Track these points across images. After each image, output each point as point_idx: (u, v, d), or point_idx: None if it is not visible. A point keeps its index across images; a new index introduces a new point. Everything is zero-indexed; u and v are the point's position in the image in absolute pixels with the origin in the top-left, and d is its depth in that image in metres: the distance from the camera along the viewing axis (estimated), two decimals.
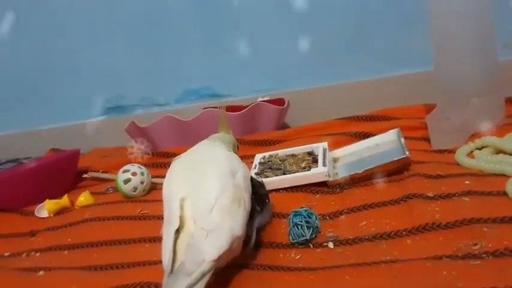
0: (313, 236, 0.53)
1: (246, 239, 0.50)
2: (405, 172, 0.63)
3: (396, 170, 0.63)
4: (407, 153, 0.63)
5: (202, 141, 0.58)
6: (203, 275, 0.42)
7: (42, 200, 0.78)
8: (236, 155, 0.56)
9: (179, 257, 0.43)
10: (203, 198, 0.47)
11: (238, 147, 0.64)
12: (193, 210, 0.46)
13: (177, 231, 0.45)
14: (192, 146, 0.88)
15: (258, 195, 0.55)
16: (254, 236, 0.50)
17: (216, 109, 0.92)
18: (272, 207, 0.59)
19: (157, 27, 1.10)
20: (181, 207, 0.46)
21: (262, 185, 0.58)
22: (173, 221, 0.45)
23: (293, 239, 0.53)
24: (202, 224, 0.45)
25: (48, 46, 1.16)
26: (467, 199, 0.53)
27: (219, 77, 1.12)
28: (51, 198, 0.78)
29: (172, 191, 0.49)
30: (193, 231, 0.44)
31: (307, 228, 0.53)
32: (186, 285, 0.40)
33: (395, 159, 0.63)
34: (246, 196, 0.50)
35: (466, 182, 0.57)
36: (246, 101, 1.02)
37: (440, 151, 0.69)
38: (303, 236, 0.52)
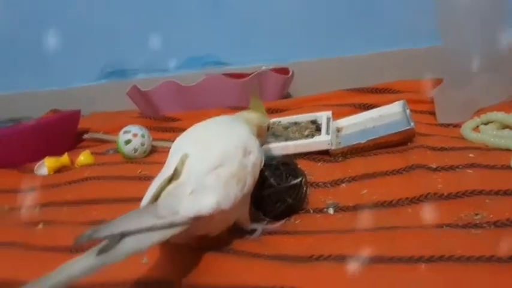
0: None
1: (252, 229, 0.49)
2: (409, 144, 0.62)
3: (400, 142, 0.62)
4: (412, 124, 0.62)
5: (229, 115, 0.55)
6: (172, 226, 0.40)
7: (41, 159, 0.77)
8: (256, 141, 0.51)
9: (158, 201, 0.42)
10: (204, 161, 0.45)
11: (269, 128, 0.58)
12: (190, 167, 0.45)
13: (169, 182, 0.44)
14: (193, 111, 0.89)
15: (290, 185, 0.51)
16: (260, 230, 0.49)
17: (217, 75, 0.91)
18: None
19: None
20: (182, 162, 0.45)
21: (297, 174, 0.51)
22: (167, 170, 0.45)
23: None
24: (191, 181, 0.43)
25: (48, 7, 1.14)
26: (470, 171, 0.53)
27: (222, 45, 1.11)
28: (51, 156, 0.77)
29: (178, 146, 0.48)
30: (180, 183, 0.43)
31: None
32: (149, 225, 0.39)
33: (400, 130, 0.62)
34: (248, 180, 0.47)
35: (470, 155, 0.57)
36: (249, 70, 1.01)
37: (445, 125, 0.69)
38: None
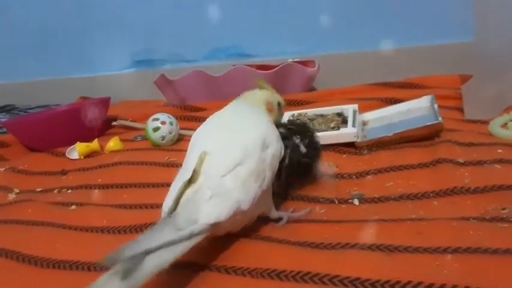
0: None
1: (278, 217, 0.49)
2: (436, 138, 0.62)
3: (427, 136, 0.62)
4: (440, 119, 0.62)
5: (242, 100, 0.53)
6: (191, 235, 0.39)
7: (72, 143, 0.80)
8: (276, 130, 0.51)
9: (178, 209, 0.42)
10: (223, 159, 0.44)
11: (280, 104, 0.55)
12: (209, 168, 0.44)
13: (188, 183, 0.43)
14: (219, 101, 0.90)
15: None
16: (286, 218, 0.49)
17: (244, 66, 0.92)
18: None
19: None
20: (201, 161, 0.44)
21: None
22: (187, 172, 0.44)
23: None
24: (211, 185, 0.42)
25: None
26: (499, 166, 0.53)
27: (249, 37, 1.12)
28: (81, 142, 0.80)
29: (197, 143, 0.47)
30: (198, 188, 0.42)
31: None
32: (169, 240, 0.38)
33: (428, 124, 0.62)
34: (267, 174, 0.46)
35: (499, 151, 0.56)
36: (274, 62, 1.01)
37: (473, 121, 0.68)
38: None
